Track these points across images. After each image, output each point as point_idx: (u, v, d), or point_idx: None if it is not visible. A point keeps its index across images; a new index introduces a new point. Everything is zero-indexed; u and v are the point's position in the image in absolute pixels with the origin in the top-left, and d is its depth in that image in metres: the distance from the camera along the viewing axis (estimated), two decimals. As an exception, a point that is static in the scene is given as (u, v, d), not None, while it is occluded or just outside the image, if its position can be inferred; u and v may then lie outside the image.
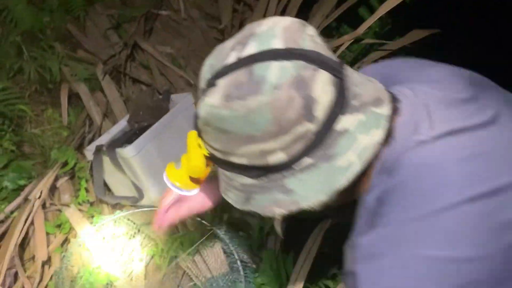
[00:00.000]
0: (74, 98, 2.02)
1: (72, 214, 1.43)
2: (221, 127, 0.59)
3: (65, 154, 1.60)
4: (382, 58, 1.73)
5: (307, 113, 0.56)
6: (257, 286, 1.27)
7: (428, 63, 0.75)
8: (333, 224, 1.22)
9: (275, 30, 0.59)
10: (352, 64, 1.75)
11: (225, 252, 1.32)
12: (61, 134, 1.88)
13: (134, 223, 1.50)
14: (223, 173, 0.68)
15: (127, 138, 1.52)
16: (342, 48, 1.57)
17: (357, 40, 1.69)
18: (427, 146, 0.57)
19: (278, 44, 0.57)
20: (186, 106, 1.64)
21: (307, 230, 1.22)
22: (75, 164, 1.61)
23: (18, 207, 1.44)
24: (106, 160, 1.48)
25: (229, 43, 0.63)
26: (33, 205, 1.41)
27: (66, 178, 1.63)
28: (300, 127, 0.56)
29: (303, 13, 2.05)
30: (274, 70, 0.55)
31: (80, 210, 1.51)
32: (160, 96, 1.64)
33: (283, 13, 2.08)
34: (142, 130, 1.54)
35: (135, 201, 1.53)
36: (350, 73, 0.61)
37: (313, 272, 1.28)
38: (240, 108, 0.56)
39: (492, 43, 1.69)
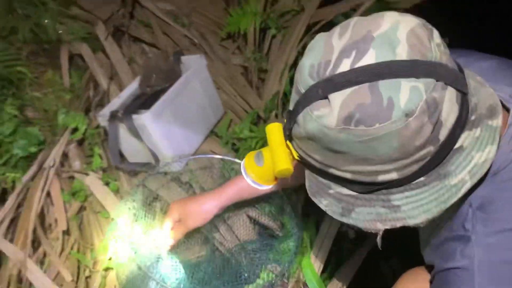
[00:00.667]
0: (74, 59, 1.93)
1: (91, 181, 1.39)
2: (333, 147, 0.54)
3: (74, 119, 1.55)
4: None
5: (434, 138, 0.52)
6: (283, 252, 1.28)
7: (496, 61, 0.72)
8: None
9: (398, 34, 0.52)
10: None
11: (250, 220, 1.32)
12: (64, 97, 1.80)
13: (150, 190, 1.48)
14: (314, 177, 0.64)
15: (141, 103, 1.46)
16: (363, 8, 1.53)
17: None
18: None
19: (403, 53, 0.51)
20: (199, 69, 1.58)
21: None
22: (85, 130, 1.56)
23: (34, 176, 1.39)
24: (120, 126, 1.43)
25: (336, 41, 0.55)
26: (48, 174, 1.37)
27: (75, 144, 1.57)
28: (423, 151, 0.53)
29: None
30: (405, 93, 0.49)
31: (95, 177, 1.46)
32: (171, 58, 1.57)
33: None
34: (155, 94, 1.49)
35: (150, 167, 1.50)
36: (468, 81, 0.56)
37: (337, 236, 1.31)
38: (363, 134, 0.51)
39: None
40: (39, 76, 1.89)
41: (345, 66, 0.52)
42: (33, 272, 1.15)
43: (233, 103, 1.75)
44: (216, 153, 1.56)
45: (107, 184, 1.47)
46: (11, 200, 1.27)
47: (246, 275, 1.24)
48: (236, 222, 1.31)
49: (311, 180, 0.65)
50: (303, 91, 0.56)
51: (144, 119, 1.36)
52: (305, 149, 0.60)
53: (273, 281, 1.22)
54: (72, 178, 1.51)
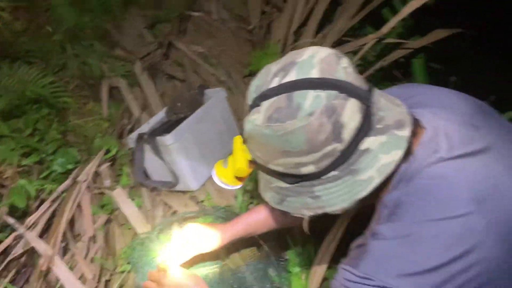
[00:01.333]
0: (113, 92, 2.17)
1: (119, 195, 1.56)
2: (262, 141, 0.72)
3: (107, 142, 1.75)
4: (404, 57, 1.83)
5: (336, 136, 0.67)
6: (288, 270, 1.37)
7: (445, 89, 0.88)
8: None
9: (313, 61, 0.70)
10: (373, 63, 1.85)
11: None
12: (102, 125, 2.02)
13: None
14: (262, 176, 0.81)
15: (166, 128, 1.64)
16: (366, 48, 1.67)
17: (380, 40, 1.79)
18: (445, 163, 0.69)
19: (315, 73, 0.68)
20: (219, 100, 1.76)
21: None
22: (116, 152, 1.75)
23: (67, 188, 1.58)
24: (146, 147, 1.60)
25: (273, 67, 0.74)
26: (80, 187, 1.55)
27: (107, 164, 1.76)
28: (329, 147, 0.68)
29: (329, 15, 2.16)
30: (309, 99, 0.66)
31: (121, 193, 1.63)
32: (196, 90, 1.76)
33: (309, 15, 2.19)
34: (179, 121, 1.67)
35: (171, 186, 1.65)
36: (377, 98, 0.72)
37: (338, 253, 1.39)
38: (279, 129, 0.68)
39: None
40: (82, 107, 2.14)
41: (274, 83, 0.71)
42: (60, 268, 1.30)
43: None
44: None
45: (132, 199, 1.64)
46: (45, 205, 1.45)
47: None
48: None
49: (261, 180, 0.82)
50: (249, 103, 0.75)
51: (166, 140, 1.53)
52: (250, 148, 0.77)
53: None
54: (102, 194, 1.69)
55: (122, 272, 1.39)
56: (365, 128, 0.69)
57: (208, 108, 1.70)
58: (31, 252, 1.40)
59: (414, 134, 0.73)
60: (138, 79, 2.13)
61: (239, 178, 0.93)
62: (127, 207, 1.55)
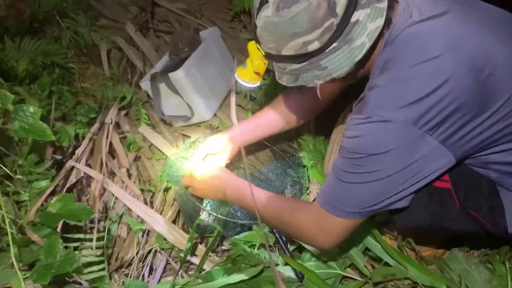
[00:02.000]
0: (110, 54, 2.32)
1: (144, 130, 1.76)
2: (274, 30, 0.88)
3: (121, 91, 1.91)
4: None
5: (331, 11, 0.84)
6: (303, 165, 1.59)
7: None
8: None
9: None
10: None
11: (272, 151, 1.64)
12: (107, 85, 2.18)
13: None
14: (277, 65, 0.98)
15: (173, 67, 1.82)
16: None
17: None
18: (418, 24, 0.89)
19: None
20: (215, 38, 1.95)
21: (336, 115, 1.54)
22: (131, 98, 1.92)
23: (97, 132, 1.76)
24: (160, 86, 1.79)
25: None
26: (108, 128, 1.73)
27: (124, 112, 1.94)
28: (327, 22, 0.85)
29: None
30: None
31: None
32: (192, 31, 1.94)
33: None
34: (182, 60, 1.85)
35: (187, 119, 1.85)
36: None
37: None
38: (287, 14, 0.85)
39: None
40: (84, 72, 2.29)
41: None
42: (113, 187, 1.50)
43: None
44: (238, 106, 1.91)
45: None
46: (85, 141, 1.64)
47: (277, 182, 1.56)
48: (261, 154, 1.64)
49: (276, 69, 0.98)
50: (257, 6, 0.92)
51: (178, 74, 1.72)
52: (264, 43, 0.94)
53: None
54: (124, 138, 1.87)
55: (164, 189, 1.59)
56: (353, 3, 0.85)
57: (206, 46, 1.89)
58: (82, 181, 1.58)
59: (391, 6, 0.92)
60: (133, 38, 2.27)
61: (257, 74, 1.13)
62: (155, 139, 1.74)
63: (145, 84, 1.82)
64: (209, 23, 2.43)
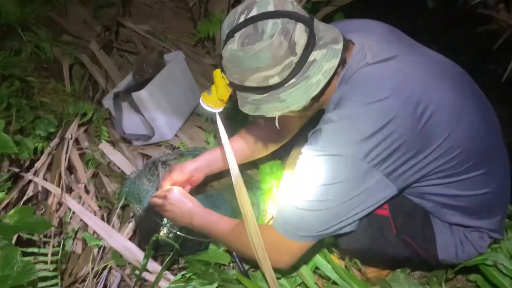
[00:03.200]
0: (72, 70, 2.33)
1: (104, 147, 1.77)
2: (238, 63, 0.96)
3: (83, 107, 1.93)
4: (331, 13, 2.19)
5: (291, 50, 0.93)
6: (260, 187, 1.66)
7: (370, 20, 1.18)
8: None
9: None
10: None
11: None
12: (68, 101, 2.18)
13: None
14: (239, 94, 1.05)
15: (137, 87, 1.86)
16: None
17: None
18: (371, 66, 0.99)
19: (271, 8, 0.93)
20: (179, 61, 2.01)
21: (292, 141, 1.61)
22: (92, 114, 1.94)
23: (57, 146, 1.75)
24: (123, 104, 1.82)
25: (239, 9, 0.99)
26: (68, 143, 1.73)
27: (84, 128, 1.95)
28: (287, 60, 0.94)
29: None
30: (270, 25, 0.92)
31: (102, 148, 1.84)
32: (157, 54, 1.99)
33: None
34: (145, 81, 1.89)
35: (148, 138, 1.88)
36: (317, 23, 0.99)
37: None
38: (250, 50, 0.92)
39: None
40: (45, 86, 2.28)
41: (242, 19, 0.94)
42: (71, 202, 1.50)
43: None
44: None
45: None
46: (44, 156, 1.63)
47: (235, 202, 1.60)
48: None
49: (239, 98, 1.04)
50: (223, 38, 1.00)
51: (141, 94, 1.76)
52: (228, 73, 1.00)
53: None
54: (83, 154, 1.87)
55: (122, 207, 1.61)
56: (311, 44, 0.93)
57: (171, 68, 1.95)
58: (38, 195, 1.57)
59: (347, 48, 1.01)
60: (96, 56, 2.29)
61: (221, 100, 1.20)
62: (114, 156, 1.76)
63: (108, 102, 1.85)
64: (173, 47, 2.49)
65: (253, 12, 0.94)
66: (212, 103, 1.22)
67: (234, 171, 1.21)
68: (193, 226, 1.31)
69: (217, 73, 1.10)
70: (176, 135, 1.95)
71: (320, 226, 1.01)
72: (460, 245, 1.14)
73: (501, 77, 2.26)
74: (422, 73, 0.99)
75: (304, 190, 0.99)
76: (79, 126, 1.92)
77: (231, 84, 1.04)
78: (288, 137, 1.50)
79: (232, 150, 1.46)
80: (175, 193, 1.35)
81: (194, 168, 1.46)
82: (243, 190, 1.19)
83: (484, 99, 1.11)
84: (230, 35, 0.96)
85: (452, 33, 2.81)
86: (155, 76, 1.88)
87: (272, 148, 1.54)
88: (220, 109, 1.24)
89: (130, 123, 1.87)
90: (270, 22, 0.92)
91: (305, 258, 1.33)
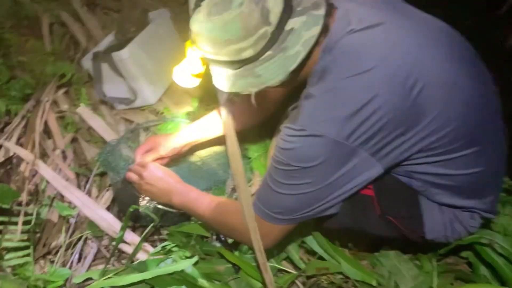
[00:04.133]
0: (52, 28, 2.19)
1: (83, 111, 1.67)
2: (207, 35, 0.85)
3: (61, 68, 1.81)
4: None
5: (265, 20, 0.82)
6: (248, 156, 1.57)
7: None
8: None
9: None
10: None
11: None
12: (47, 60, 2.05)
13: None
14: (213, 69, 0.95)
15: (118, 46, 1.74)
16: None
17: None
18: (356, 34, 0.88)
19: None
20: (164, 19, 1.89)
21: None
22: (72, 76, 1.82)
23: (32, 109, 1.65)
24: (103, 66, 1.70)
25: None
26: (44, 106, 1.63)
27: (64, 89, 1.84)
28: (260, 30, 0.83)
29: None
30: None
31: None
32: (141, 9, 1.86)
33: None
34: (128, 40, 1.77)
35: (130, 102, 1.78)
36: None
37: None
38: (218, 21, 0.82)
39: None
40: (23, 44, 2.14)
41: None
42: (44, 169, 1.41)
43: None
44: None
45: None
46: (16, 119, 1.53)
47: (220, 172, 1.53)
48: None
49: (213, 73, 0.95)
50: (192, 7, 0.88)
51: (122, 55, 1.64)
52: (199, 46, 0.90)
53: None
54: (62, 117, 1.78)
55: (99, 174, 1.53)
56: (287, 11, 0.83)
57: (154, 27, 1.82)
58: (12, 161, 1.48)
59: (330, 13, 0.90)
60: (78, 13, 2.15)
61: (196, 75, 1.10)
62: (94, 121, 1.66)
63: (87, 63, 1.73)
64: (161, 4, 2.34)
65: None
66: (186, 78, 1.12)
67: (233, 151, 1.11)
68: (173, 204, 1.24)
69: (188, 45, 1.00)
70: (160, 99, 1.85)
71: (300, 209, 0.95)
72: (449, 225, 1.06)
73: (506, 43, 2.14)
74: (413, 41, 0.88)
75: (282, 172, 0.92)
76: (59, 87, 1.81)
77: (203, 58, 0.94)
78: (275, 108, 1.40)
79: (214, 123, 1.40)
80: (152, 170, 1.26)
81: (181, 143, 1.38)
82: (240, 171, 1.12)
83: (483, 70, 1.01)
84: (197, 3, 0.85)
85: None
86: (138, 35, 1.76)
87: (258, 120, 1.46)
88: (196, 84, 1.14)
89: (111, 85, 1.76)
90: None
91: (292, 233, 1.27)
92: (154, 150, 1.35)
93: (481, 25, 2.51)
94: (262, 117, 1.42)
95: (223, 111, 1.17)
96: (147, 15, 1.91)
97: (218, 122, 1.38)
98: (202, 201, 1.17)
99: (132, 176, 1.28)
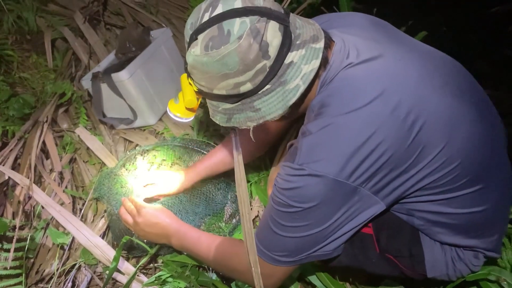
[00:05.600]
0: (55, 44, 2.18)
1: (81, 132, 1.65)
2: (204, 69, 0.82)
3: (61, 87, 1.79)
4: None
5: (263, 53, 0.79)
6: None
7: (352, 13, 1.04)
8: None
9: None
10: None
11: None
12: (49, 76, 2.05)
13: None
14: (210, 103, 0.92)
15: (118, 67, 1.72)
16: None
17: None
18: (355, 67, 0.85)
19: (238, 4, 0.79)
20: (166, 38, 1.86)
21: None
22: (72, 95, 1.81)
23: (30, 130, 1.63)
24: (102, 86, 1.68)
25: (203, 5, 0.85)
26: (42, 127, 1.61)
27: (63, 108, 1.82)
28: (259, 64, 0.80)
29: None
30: (237, 25, 0.78)
31: (81, 132, 1.72)
32: (142, 30, 1.84)
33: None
34: (129, 60, 1.75)
35: (129, 122, 1.76)
36: (294, 19, 0.85)
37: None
38: (215, 55, 0.78)
39: None
40: (25, 60, 2.14)
41: (205, 17, 0.80)
42: (39, 194, 1.39)
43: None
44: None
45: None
46: (13, 141, 1.51)
47: (219, 197, 1.49)
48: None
49: (209, 106, 0.92)
50: (187, 40, 0.85)
51: (121, 76, 1.62)
52: (195, 79, 0.88)
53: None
54: (61, 137, 1.76)
55: (96, 198, 1.50)
56: (286, 44, 0.80)
57: (156, 46, 1.80)
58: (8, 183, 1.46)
59: (328, 46, 0.88)
60: (81, 29, 2.14)
61: (190, 109, 1.07)
62: (92, 142, 1.64)
63: (86, 83, 1.71)
64: (164, 21, 2.33)
65: (218, 10, 0.80)
66: (181, 112, 1.10)
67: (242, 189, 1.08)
68: (171, 245, 1.20)
69: (184, 79, 0.97)
70: (160, 120, 1.82)
71: (303, 251, 0.90)
72: (451, 264, 1.02)
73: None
74: (413, 73, 0.85)
75: (282, 213, 0.88)
76: (59, 106, 1.79)
77: (199, 92, 0.91)
78: (278, 138, 1.37)
79: (217, 160, 1.37)
80: (146, 216, 1.20)
81: (187, 185, 1.36)
82: (246, 203, 1.07)
83: (487, 102, 0.97)
84: (193, 37, 0.82)
85: (463, 13, 2.63)
86: (139, 55, 1.74)
87: (261, 152, 1.43)
88: (190, 118, 1.11)
89: (111, 105, 1.74)
90: (238, 21, 0.78)
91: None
92: (157, 186, 1.33)
93: (490, 41, 2.48)
94: (264, 149, 1.40)
95: (233, 140, 1.14)
96: (149, 34, 1.89)
97: (223, 160, 1.36)
98: (202, 242, 1.12)
99: (127, 220, 1.24)
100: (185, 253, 1.29)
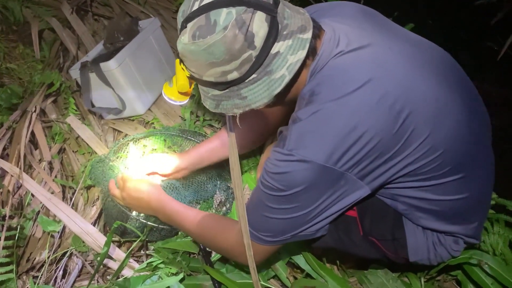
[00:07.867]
0: (42, 35, 2.17)
1: (72, 121, 1.64)
2: (192, 57, 0.85)
3: (49, 77, 1.78)
4: None
5: (249, 44, 0.81)
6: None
7: (343, 2, 1.05)
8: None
9: None
10: None
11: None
12: (36, 67, 2.04)
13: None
14: (201, 88, 0.95)
15: (106, 57, 1.72)
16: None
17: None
18: (344, 56, 0.87)
19: None
20: (154, 28, 1.86)
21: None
22: (60, 85, 1.80)
23: (19, 120, 1.62)
24: (91, 76, 1.68)
25: None
26: (31, 117, 1.61)
27: (52, 98, 1.82)
28: (245, 54, 0.82)
29: None
30: (223, 16, 0.79)
31: (71, 122, 1.71)
32: (131, 20, 1.84)
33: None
34: (117, 50, 1.75)
35: (118, 112, 1.76)
36: (282, 9, 0.86)
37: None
38: (202, 44, 0.81)
39: None
40: (12, 51, 2.12)
41: (195, 6, 0.82)
42: (30, 182, 1.39)
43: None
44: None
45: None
46: (1, 131, 1.50)
47: (209, 186, 1.51)
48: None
49: (200, 92, 0.95)
50: (179, 27, 0.88)
51: (110, 65, 1.63)
52: (186, 65, 0.90)
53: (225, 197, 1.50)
54: (50, 127, 1.75)
55: (86, 187, 1.50)
56: (273, 35, 0.82)
57: (144, 36, 1.80)
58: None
59: (317, 36, 0.90)
60: (68, 20, 2.13)
61: (184, 93, 1.09)
62: (83, 131, 1.64)
63: (75, 73, 1.71)
64: (152, 11, 2.32)
65: None
66: (175, 96, 1.12)
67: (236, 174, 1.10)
68: (157, 215, 1.23)
69: (177, 63, 0.99)
70: (149, 110, 1.83)
71: (288, 232, 0.94)
72: (432, 248, 1.06)
73: (498, 54, 2.14)
74: (401, 62, 0.87)
75: (270, 196, 0.90)
76: (47, 96, 1.79)
77: (191, 77, 0.93)
78: (276, 127, 1.38)
79: (215, 148, 1.38)
80: (134, 182, 1.24)
81: (183, 166, 1.35)
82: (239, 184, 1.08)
83: (474, 93, 0.99)
84: (183, 25, 0.84)
85: (448, 6, 2.67)
86: (127, 45, 1.74)
87: (259, 142, 1.45)
88: (184, 102, 1.13)
89: (100, 95, 1.74)
90: (224, 11, 0.80)
91: (280, 250, 1.26)
92: (153, 169, 1.34)
93: (473, 35, 2.52)
94: (262, 141, 1.43)
95: (229, 129, 1.16)
96: (137, 24, 1.89)
97: (219, 149, 1.36)
98: (188, 213, 1.16)
99: (115, 194, 1.26)
100: (168, 225, 1.29)
